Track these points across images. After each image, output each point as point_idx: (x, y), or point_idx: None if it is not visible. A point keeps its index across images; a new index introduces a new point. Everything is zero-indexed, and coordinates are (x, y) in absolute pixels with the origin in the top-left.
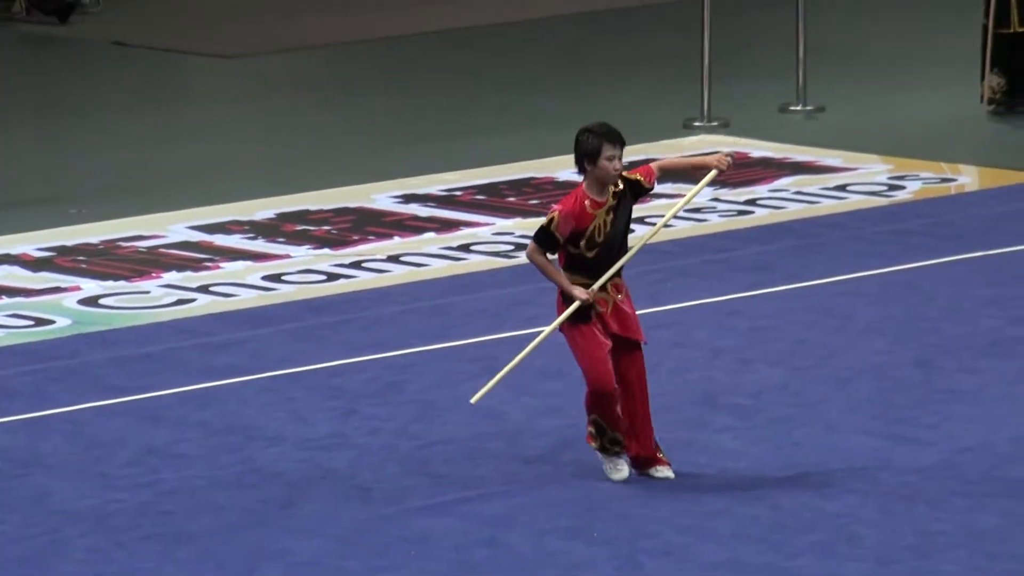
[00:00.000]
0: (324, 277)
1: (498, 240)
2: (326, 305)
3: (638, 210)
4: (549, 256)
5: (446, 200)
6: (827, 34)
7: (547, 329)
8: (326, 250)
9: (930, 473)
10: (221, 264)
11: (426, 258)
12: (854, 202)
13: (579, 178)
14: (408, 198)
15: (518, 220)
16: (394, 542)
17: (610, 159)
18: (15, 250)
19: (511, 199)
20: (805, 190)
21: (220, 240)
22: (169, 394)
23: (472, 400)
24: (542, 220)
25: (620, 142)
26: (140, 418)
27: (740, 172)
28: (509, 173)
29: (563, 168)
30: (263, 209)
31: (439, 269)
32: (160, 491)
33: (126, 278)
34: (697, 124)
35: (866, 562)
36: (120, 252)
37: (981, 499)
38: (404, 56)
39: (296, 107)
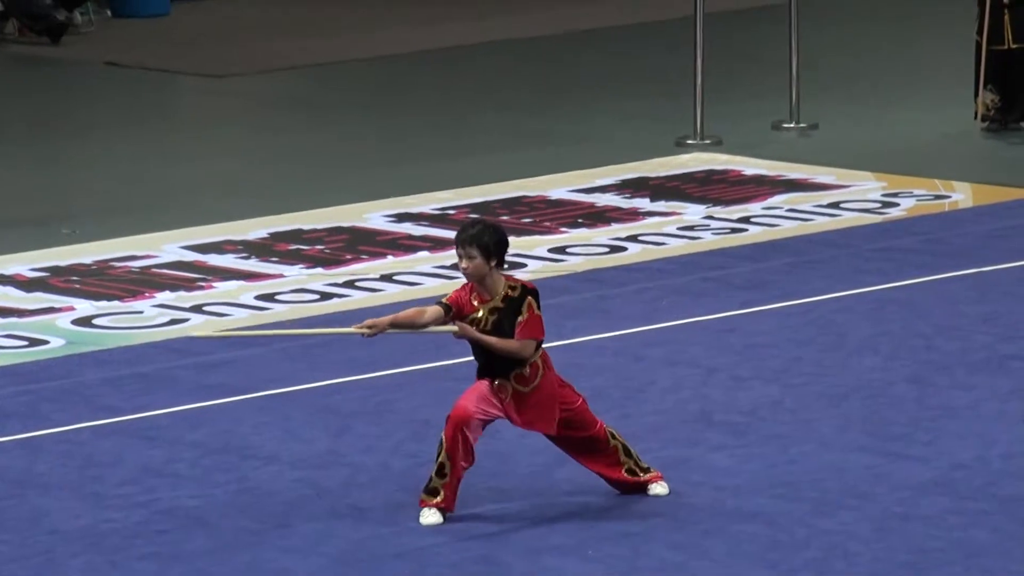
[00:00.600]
0: (317, 296)
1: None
2: (319, 324)
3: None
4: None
5: (439, 219)
6: (820, 51)
7: (332, 330)
8: (319, 269)
9: (924, 490)
10: (214, 284)
11: (419, 277)
12: (848, 219)
13: (571, 196)
14: (401, 217)
15: (512, 239)
16: (389, 560)
17: (458, 257)
18: (8, 270)
19: (504, 217)
20: (799, 207)
21: (213, 260)
22: (163, 414)
23: (195, 334)
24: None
25: (464, 244)
26: (134, 438)
27: (734, 190)
28: (502, 192)
29: (555, 186)
30: (256, 228)
31: (432, 288)
32: (155, 511)
33: (119, 298)
34: (690, 142)
35: None
36: (113, 272)
37: (975, 516)
38: (396, 75)
39: (289, 127)
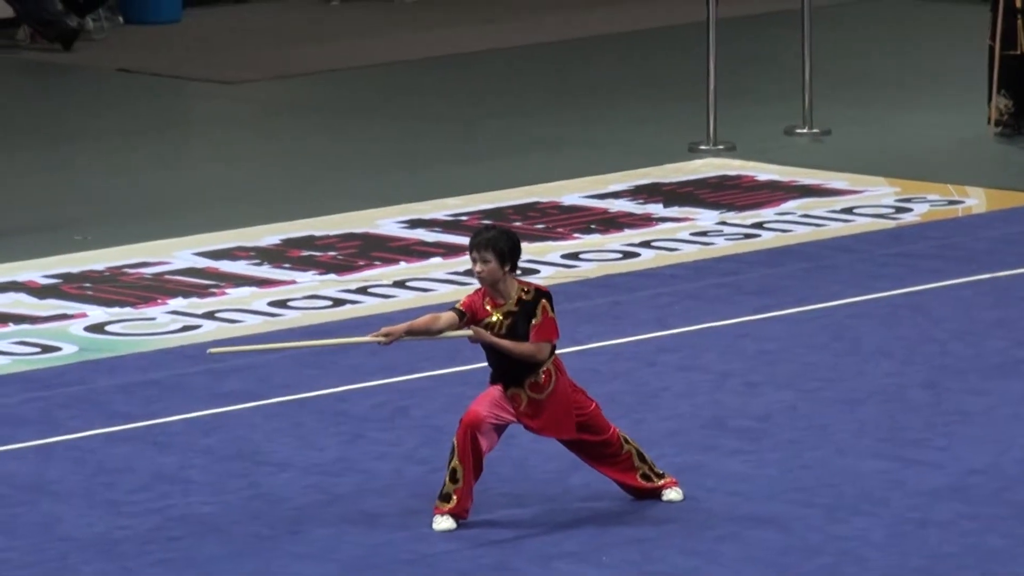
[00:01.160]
0: (330, 303)
1: None
2: (332, 331)
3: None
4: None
5: (452, 225)
6: (833, 56)
7: (348, 340)
8: (332, 276)
9: (939, 495)
10: (227, 290)
11: (432, 283)
12: (861, 225)
13: (584, 202)
14: (414, 223)
15: (524, 245)
16: (402, 567)
17: (472, 262)
18: (21, 277)
19: (517, 223)
20: (812, 213)
21: (226, 266)
22: (176, 420)
23: (212, 351)
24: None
25: (479, 248)
26: (147, 444)
27: (747, 195)
28: (514, 198)
29: (568, 192)
30: (268, 235)
31: (445, 294)
32: (168, 517)
33: (132, 305)
34: (703, 147)
35: None
36: (126, 279)
37: (990, 521)
38: (408, 81)
39: (300, 133)
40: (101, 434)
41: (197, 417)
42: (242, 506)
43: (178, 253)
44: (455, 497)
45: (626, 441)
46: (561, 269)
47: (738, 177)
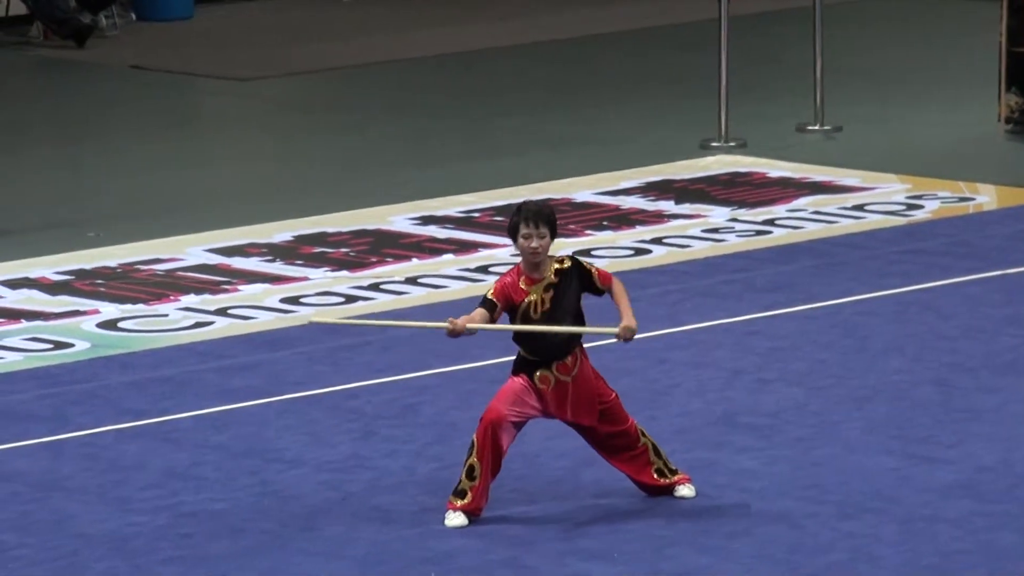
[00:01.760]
0: (342, 299)
1: (517, 261)
2: (344, 327)
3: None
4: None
5: (464, 222)
6: (844, 53)
7: (428, 324)
8: (344, 272)
9: (950, 492)
10: (239, 287)
11: (444, 280)
12: (872, 222)
13: (595, 199)
14: (426, 220)
15: None
16: (414, 564)
17: (526, 237)
18: (33, 273)
19: None
20: (823, 210)
21: (238, 263)
22: (188, 417)
23: (314, 319)
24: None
25: (536, 221)
26: (159, 441)
27: (758, 192)
28: (526, 194)
29: (579, 189)
30: (281, 232)
31: (457, 291)
32: (179, 514)
33: (144, 301)
34: (714, 144)
35: None
36: (138, 275)
37: (1001, 518)
38: (419, 78)
39: (312, 130)
40: (113, 431)
41: (209, 414)
42: (253, 503)
43: (190, 250)
44: (470, 494)
45: (643, 434)
46: None
47: (749, 174)
